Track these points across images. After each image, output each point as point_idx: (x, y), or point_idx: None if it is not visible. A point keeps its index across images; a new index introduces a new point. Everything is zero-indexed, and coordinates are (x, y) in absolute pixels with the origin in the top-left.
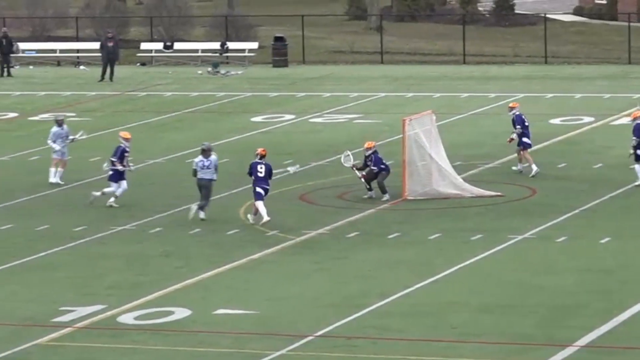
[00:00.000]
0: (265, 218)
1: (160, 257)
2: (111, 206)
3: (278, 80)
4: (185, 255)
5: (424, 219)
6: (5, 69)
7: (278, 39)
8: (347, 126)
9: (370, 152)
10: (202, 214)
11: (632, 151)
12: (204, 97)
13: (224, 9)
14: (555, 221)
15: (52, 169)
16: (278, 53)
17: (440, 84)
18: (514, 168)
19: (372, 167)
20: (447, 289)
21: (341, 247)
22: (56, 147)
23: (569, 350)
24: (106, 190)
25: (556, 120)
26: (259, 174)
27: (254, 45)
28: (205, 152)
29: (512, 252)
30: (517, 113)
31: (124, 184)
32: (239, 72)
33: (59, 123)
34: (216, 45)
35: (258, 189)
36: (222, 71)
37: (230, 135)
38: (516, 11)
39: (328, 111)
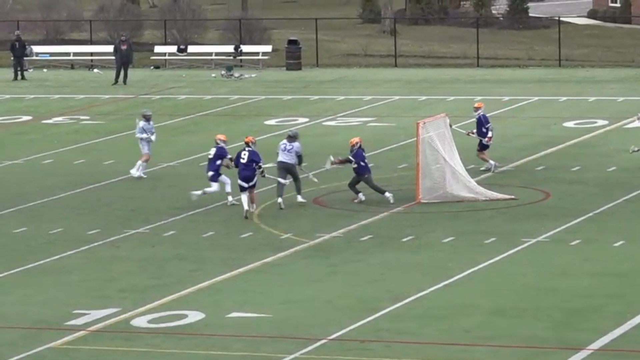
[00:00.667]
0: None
1: (173, 260)
2: (233, 204)
3: (292, 84)
4: (198, 259)
5: (438, 222)
6: (19, 72)
7: (292, 42)
8: (361, 129)
9: (356, 147)
10: (299, 198)
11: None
12: (218, 100)
13: (237, 12)
14: (569, 224)
15: (139, 162)
16: (292, 56)
17: (454, 87)
18: (482, 169)
19: (350, 158)
20: (461, 292)
21: (355, 250)
22: (148, 137)
23: (582, 354)
24: (207, 190)
25: (570, 123)
26: (242, 160)
27: (268, 48)
28: (291, 138)
29: (525, 255)
30: (482, 113)
31: (215, 185)
32: (253, 75)
33: (147, 118)
34: (230, 48)
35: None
36: (236, 74)
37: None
38: (530, 14)
39: (342, 114)
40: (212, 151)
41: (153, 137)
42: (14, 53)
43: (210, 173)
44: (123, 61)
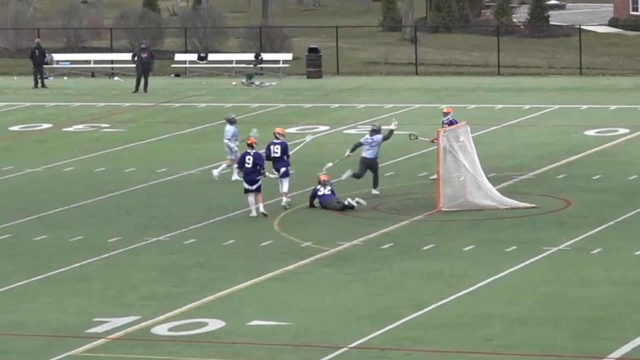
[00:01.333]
0: (253, 213)
1: (194, 268)
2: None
3: (312, 92)
4: (219, 267)
5: (459, 231)
6: (39, 80)
7: (312, 50)
8: None
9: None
10: (374, 190)
11: None
12: (238, 108)
13: (258, 20)
14: (590, 233)
15: (223, 165)
16: (312, 64)
17: (475, 95)
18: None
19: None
20: (482, 301)
21: (375, 258)
22: (234, 147)
23: None
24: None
25: (591, 132)
26: (247, 165)
27: (288, 56)
28: (374, 132)
29: (546, 263)
30: (451, 119)
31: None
32: (273, 84)
33: (232, 121)
34: (250, 56)
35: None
36: (257, 82)
37: (265, 146)
38: (551, 22)
39: (362, 122)
40: (273, 148)
41: (234, 146)
42: (34, 61)
43: (283, 169)
44: (143, 69)
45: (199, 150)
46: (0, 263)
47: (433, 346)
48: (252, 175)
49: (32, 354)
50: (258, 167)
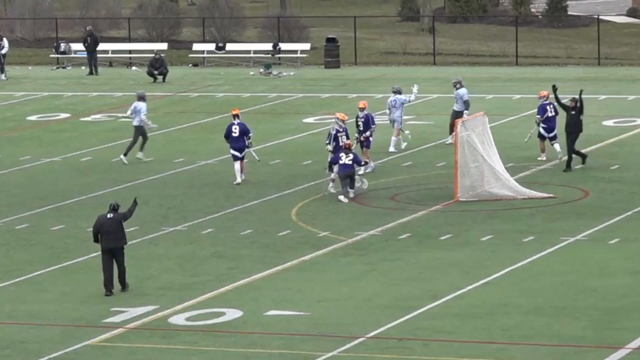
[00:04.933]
0: (238, 180)
1: (211, 258)
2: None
3: (330, 82)
4: (236, 257)
5: (476, 221)
6: (93, 67)
7: (330, 40)
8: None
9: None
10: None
11: None
12: (256, 98)
13: (276, 10)
14: (607, 223)
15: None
16: (330, 54)
17: (493, 85)
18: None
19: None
20: (499, 291)
21: (393, 248)
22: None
23: (621, 353)
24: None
25: (609, 122)
26: (233, 134)
27: (306, 46)
28: (396, 93)
29: (564, 254)
30: (367, 113)
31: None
32: (291, 73)
33: (399, 91)
34: (268, 46)
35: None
36: (274, 72)
37: (282, 136)
38: (569, 13)
39: (380, 112)
40: (333, 132)
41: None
42: (87, 48)
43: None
44: (160, 71)
45: (216, 140)
46: (18, 253)
47: (450, 336)
48: (239, 143)
49: (50, 343)
50: (244, 136)
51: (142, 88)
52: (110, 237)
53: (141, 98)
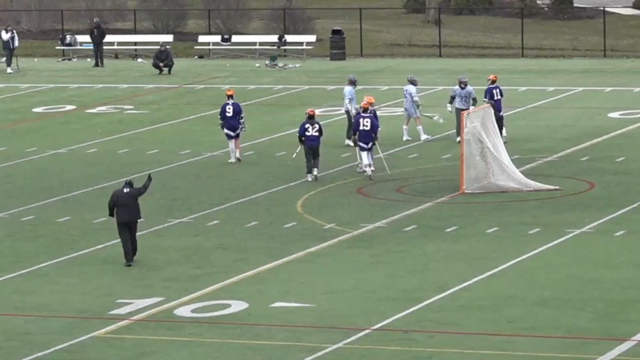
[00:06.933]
0: (232, 159)
1: (217, 249)
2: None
3: (336, 74)
4: (242, 248)
5: (482, 213)
6: (99, 59)
7: (336, 32)
8: (404, 120)
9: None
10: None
11: None
12: (262, 90)
13: (282, 1)
14: (613, 215)
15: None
16: (336, 46)
17: (499, 77)
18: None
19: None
20: (504, 283)
21: (398, 240)
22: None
23: (627, 345)
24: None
25: (615, 114)
26: (227, 114)
27: (312, 38)
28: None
29: (569, 246)
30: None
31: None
32: (297, 65)
33: (411, 81)
34: (274, 38)
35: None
36: (280, 64)
37: (288, 128)
38: (575, 4)
39: (385, 104)
40: (367, 122)
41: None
42: (93, 40)
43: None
44: (165, 63)
45: (222, 132)
46: (23, 244)
47: (456, 328)
48: (232, 122)
49: (55, 335)
50: (237, 117)
51: (147, 80)
52: (125, 210)
53: (352, 83)
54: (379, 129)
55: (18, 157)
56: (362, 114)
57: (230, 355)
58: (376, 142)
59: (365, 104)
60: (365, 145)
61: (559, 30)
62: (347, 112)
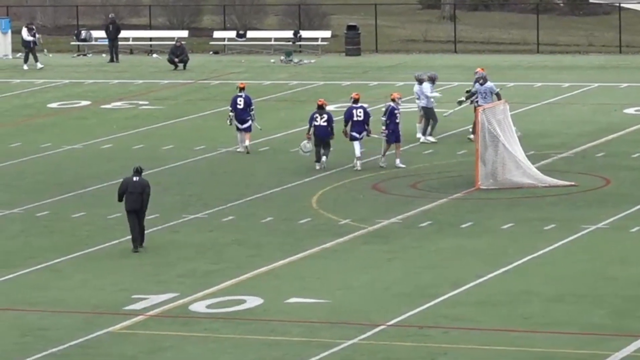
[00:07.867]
0: (240, 148)
1: (232, 245)
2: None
3: (351, 69)
4: (257, 244)
5: (497, 209)
6: (114, 54)
7: (351, 28)
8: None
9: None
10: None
11: None
12: (277, 86)
13: None
14: (629, 211)
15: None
16: (351, 42)
17: (514, 73)
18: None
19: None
20: (520, 279)
21: (414, 236)
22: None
23: None
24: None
25: (630, 110)
26: (238, 106)
27: (327, 34)
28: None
29: (585, 242)
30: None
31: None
32: (312, 61)
33: (419, 79)
34: (289, 33)
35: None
36: (295, 60)
37: (303, 124)
38: (590, 0)
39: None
40: (360, 112)
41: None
42: (108, 35)
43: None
44: (181, 59)
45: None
46: (38, 240)
47: (471, 324)
48: (243, 115)
49: (70, 330)
50: (248, 109)
51: (162, 75)
52: (134, 198)
53: (431, 79)
54: (371, 117)
55: (33, 153)
56: (354, 105)
57: (245, 351)
58: (370, 134)
59: (356, 95)
60: (357, 135)
61: (574, 26)
62: (430, 108)
